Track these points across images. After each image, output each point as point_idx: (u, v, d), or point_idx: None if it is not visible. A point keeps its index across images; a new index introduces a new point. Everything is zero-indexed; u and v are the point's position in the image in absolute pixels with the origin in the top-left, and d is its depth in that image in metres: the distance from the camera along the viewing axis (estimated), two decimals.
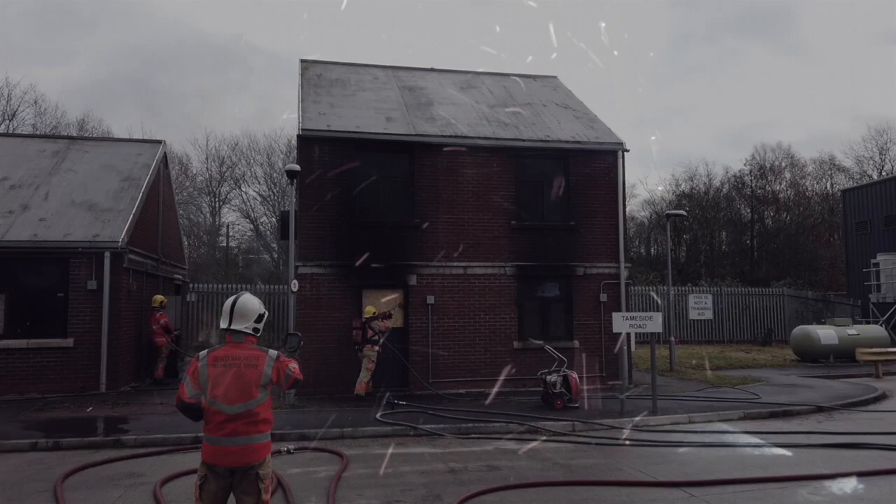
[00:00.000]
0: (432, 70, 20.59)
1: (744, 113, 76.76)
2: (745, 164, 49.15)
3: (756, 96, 78.56)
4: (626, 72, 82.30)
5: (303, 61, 19.10)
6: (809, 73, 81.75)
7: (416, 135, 15.44)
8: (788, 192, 48.52)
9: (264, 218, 40.95)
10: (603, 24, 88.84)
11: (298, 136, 14.97)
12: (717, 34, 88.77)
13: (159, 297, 16.75)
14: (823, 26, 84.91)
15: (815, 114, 77.41)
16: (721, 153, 73.01)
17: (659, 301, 27.16)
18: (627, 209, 19.02)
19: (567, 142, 16.14)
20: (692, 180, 49.16)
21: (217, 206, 42.95)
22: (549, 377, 12.68)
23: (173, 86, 66.26)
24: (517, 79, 20.89)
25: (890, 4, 74.75)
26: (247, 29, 77.18)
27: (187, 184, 41.13)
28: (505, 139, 15.91)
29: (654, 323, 12.27)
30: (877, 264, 29.63)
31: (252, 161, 41.57)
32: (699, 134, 76.08)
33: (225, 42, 74.03)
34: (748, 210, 47.40)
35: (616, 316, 12.41)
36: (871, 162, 49.10)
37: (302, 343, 5.14)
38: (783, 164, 48.62)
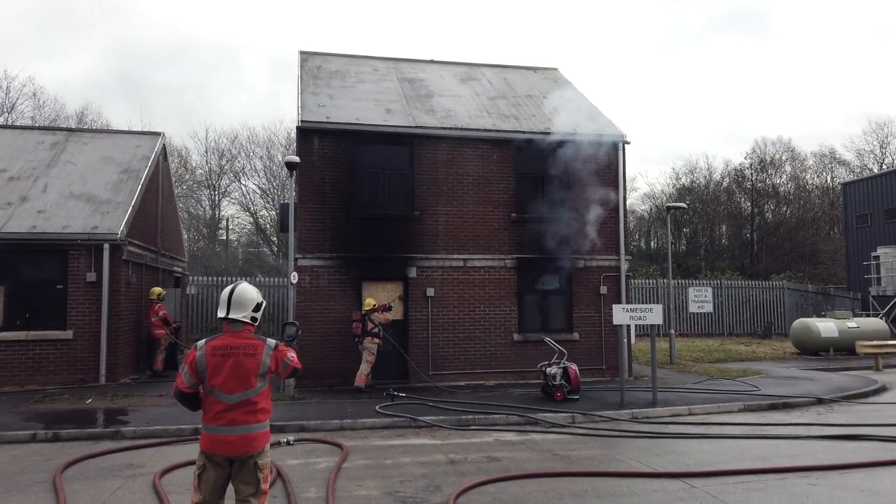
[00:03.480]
0: (432, 62, 20.50)
1: (740, 110, 76.58)
2: (745, 158, 49.18)
3: (751, 95, 78.37)
4: (622, 68, 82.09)
5: (302, 53, 19.02)
6: (803, 73, 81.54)
7: (415, 126, 15.38)
8: (789, 185, 48.51)
9: (264, 211, 40.93)
10: (599, 20, 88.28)
11: (298, 128, 14.91)
12: (708, 33, 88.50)
13: (157, 290, 16.74)
14: (815, 26, 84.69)
15: (809, 112, 77.25)
16: (719, 150, 72.96)
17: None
18: (628, 202, 18.99)
19: (568, 133, 16.07)
20: (692, 174, 49.15)
21: (217, 199, 42.93)
22: (549, 369, 12.67)
23: (172, 83, 66.08)
24: (517, 70, 20.82)
25: (881, 4, 74.45)
26: (244, 23, 76.93)
27: (187, 177, 41.08)
28: (505, 131, 15.85)
29: (654, 315, 12.25)
30: (877, 257, 29.62)
31: (251, 154, 41.51)
32: (696, 131, 75.92)
33: (223, 38, 73.82)
34: (748, 203, 47.35)
35: (616, 308, 12.39)
36: (872, 155, 49.11)
37: (300, 332, 5.11)
38: (783, 158, 48.59)
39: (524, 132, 15.91)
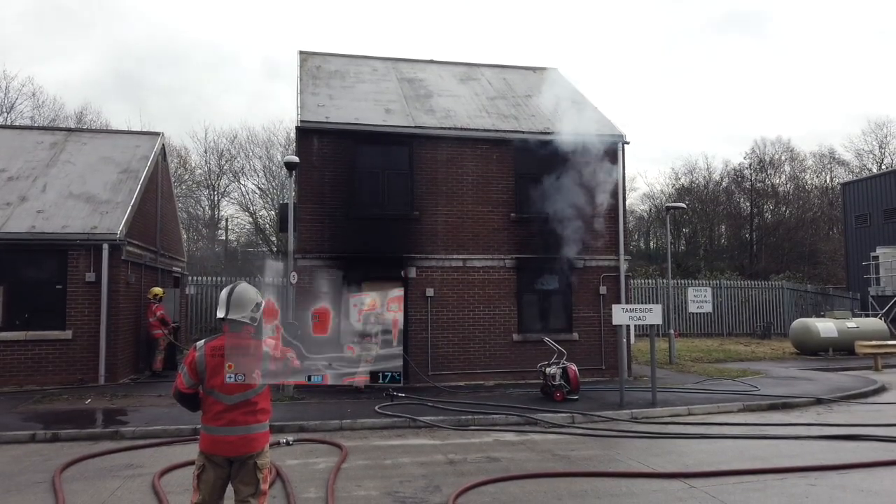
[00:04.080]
0: (431, 62, 20.50)
1: (739, 110, 76.60)
2: (744, 158, 49.19)
3: (751, 95, 78.38)
4: (622, 68, 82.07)
5: (301, 53, 19.01)
6: (802, 73, 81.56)
7: (415, 127, 15.38)
8: (788, 185, 48.55)
9: (263, 211, 40.90)
10: (599, 20, 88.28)
11: (297, 129, 14.91)
12: (708, 33, 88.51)
13: (155, 290, 16.73)
14: (814, 26, 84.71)
15: (809, 112, 77.28)
16: (719, 150, 72.95)
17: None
18: (627, 202, 18.98)
19: (567, 133, 16.05)
20: (692, 174, 49.21)
21: (216, 199, 42.90)
22: (548, 369, 12.66)
23: (171, 83, 66.03)
24: (517, 70, 20.81)
25: (881, 4, 74.47)
26: (244, 23, 76.90)
27: (186, 177, 41.04)
28: (504, 131, 15.86)
29: (653, 315, 12.24)
30: (876, 257, 29.64)
31: (251, 154, 41.46)
32: (696, 131, 75.92)
33: (222, 38, 73.80)
34: (748, 203, 47.39)
35: (616, 308, 12.38)
36: (871, 156, 49.17)
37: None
38: (783, 158, 48.67)
39: (523, 132, 15.91)
